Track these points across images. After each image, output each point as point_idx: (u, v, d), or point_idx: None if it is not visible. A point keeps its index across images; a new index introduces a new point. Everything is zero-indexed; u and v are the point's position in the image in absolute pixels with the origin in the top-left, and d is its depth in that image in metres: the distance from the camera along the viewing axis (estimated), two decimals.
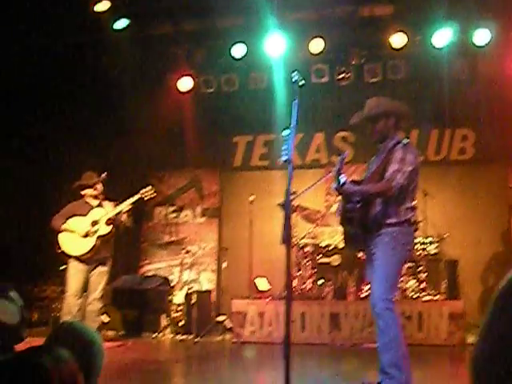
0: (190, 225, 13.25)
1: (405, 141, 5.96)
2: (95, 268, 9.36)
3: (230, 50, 11.99)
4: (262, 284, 11.14)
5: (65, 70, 11.72)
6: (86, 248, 9.22)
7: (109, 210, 9.35)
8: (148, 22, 11.90)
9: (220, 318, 10.46)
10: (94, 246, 9.22)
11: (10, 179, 11.81)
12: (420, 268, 10.56)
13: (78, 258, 9.27)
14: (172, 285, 11.56)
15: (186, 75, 12.75)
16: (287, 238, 4.34)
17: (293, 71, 4.85)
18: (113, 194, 9.64)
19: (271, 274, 11.26)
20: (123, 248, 10.69)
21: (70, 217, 9.34)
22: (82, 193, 9.46)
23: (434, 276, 10.75)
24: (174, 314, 10.79)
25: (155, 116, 12.48)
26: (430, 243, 10.98)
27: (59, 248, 9.34)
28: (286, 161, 4.51)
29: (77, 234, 9.23)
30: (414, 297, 10.17)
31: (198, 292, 11.44)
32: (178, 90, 12.80)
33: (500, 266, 11.34)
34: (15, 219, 12.19)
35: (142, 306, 11.19)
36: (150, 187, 9.61)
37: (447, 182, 11.97)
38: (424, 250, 10.72)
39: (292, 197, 4.56)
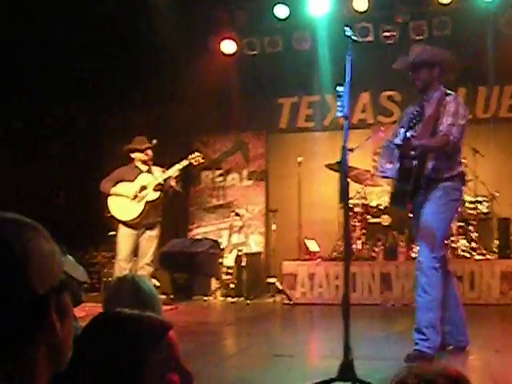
0: (236, 188, 13.25)
1: (453, 93, 5.77)
2: (144, 233, 9.40)
3: (272, 10, 11.85)
4: (312, 245, 11.12)
5: (110, 37, 11.69)
6: (134, 213, 9.25)
7: (157, 175, 9.34)
8: None
9: (270, 280, 10.47)
10: (142, 211, 9.23)
11: (58, 145, 11.89)
12: (471, 227, 10.43)
13: (127, 223, 9.31)
14: (222, 248, 11.59)
15: (229, 38, 12.67)
16: (345, 197, 4.29)
17: (345, 25, 4.76)
18: (159, 159, 9.63)
19: (319, 236, 11.24)
20: (171, 212, 10.70)
21: (119, 181, 9.36)
22: (132, 156, 9.43)
23: (485, 235, 10.62)
24: (224, 277, 10.83)
25: (199, 80, 12.40)
26: (481, 202, 10.81)
27: (108, 212, 9.40)
28: (341, 117, 4.44)
29: (125, 199, 9.25)
30: (466, 256, 10.06)
31: (248, 254, 11.48)
32: (221, 52, 12.73)
33: None
34: (64, 185, 12.30)
35: (192, 269, 11.21)
36: (198, 153, 9.59)
37: (497, 139, 11.71)
38: (475, 209, 10.57)
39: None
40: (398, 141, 5.36)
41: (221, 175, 13.42)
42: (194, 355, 6.08)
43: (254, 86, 12.74)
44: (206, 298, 10.86)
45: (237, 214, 11.83)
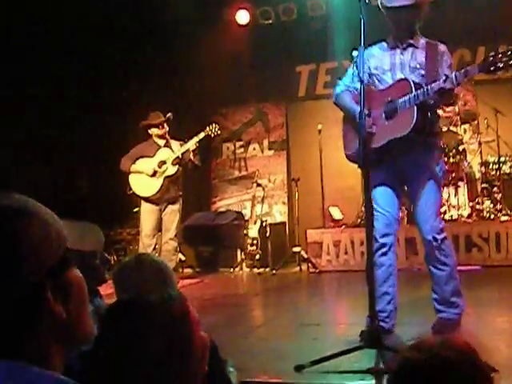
0: (258, 159, 13.25)
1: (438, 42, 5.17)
2: (166, 207, 9.45)
3: None
4: (335, 213, 11.09)
5: (123, 11, 11.59)
6: (154, 189, 9.32)
7: (175, 149, 9.37)
8: None
9: (296, 249, 10.45)
10: (161, 186, 9.31)
11: (79, 126, 11.86)
12: (495, 188, 10.32)
13: (148, 199, 9.38)
14: (245, 219, 11.60)
15: (244, 8, 12.60)
16: (364, 161, 4.24)
17: None
18: (178, 133, 9.65)
19: (343, 203, 11.21)
20: (194, 186, 10.73)
21: (138, 158, 9.42)
22: (149, 132, 9.50)
23: (510, 195, 10.47)
24: (249, 248, 10.85)
25: (216, 52, 12.33)
26: (504, 162, 10.67)
27: (130, 189, 9.48)
28: (358, 82, 4.38)
29: (145, 175, 9.32)
30: (491, 218, 9.96)
31: (272, 225, 11.49)
32: (236, 23, 12.67)
33: None
34: (87, 165, 12.31)
35: (217, 241, 11.25)
36: (214, 124, 9.61)
37: None
38: (498, 169, 10.45)
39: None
40: (448, 85, 4.69)
41: (242, 146, 13.42)
42: (222, 327, 6.12)
43: (270, 55, 12.64)
44: (231, 270, 10.89)
45: (258, 185, 11.82)
